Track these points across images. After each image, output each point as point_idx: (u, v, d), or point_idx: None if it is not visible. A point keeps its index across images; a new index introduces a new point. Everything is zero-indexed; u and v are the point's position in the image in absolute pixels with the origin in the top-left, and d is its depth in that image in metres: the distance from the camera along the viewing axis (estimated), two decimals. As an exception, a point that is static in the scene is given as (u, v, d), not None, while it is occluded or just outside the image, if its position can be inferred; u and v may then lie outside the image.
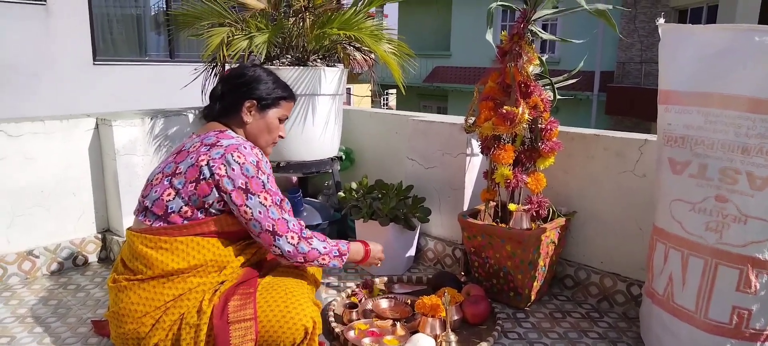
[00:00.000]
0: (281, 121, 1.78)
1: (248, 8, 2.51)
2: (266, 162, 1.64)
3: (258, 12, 2.52)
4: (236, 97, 1.69)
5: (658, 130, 1.74)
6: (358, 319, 1.92)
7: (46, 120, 2.33)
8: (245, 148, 1.59)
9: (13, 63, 5.96)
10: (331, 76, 2.61)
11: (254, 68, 1.76)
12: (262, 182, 1.57)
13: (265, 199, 1.56)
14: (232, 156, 1.55)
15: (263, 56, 2.49)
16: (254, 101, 1.69)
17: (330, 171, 2.76)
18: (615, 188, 2.11)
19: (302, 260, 1.61)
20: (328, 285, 2.29)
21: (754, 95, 1.46)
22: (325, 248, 1.65)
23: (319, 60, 2.69)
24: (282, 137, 1.81)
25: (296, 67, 2.55)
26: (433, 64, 17.71)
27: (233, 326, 1.51)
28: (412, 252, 2.48)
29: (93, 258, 2.52)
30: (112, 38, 7.43)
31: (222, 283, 1.61)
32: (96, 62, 6.94)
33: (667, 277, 1.65)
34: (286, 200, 1.63)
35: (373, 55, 2.84)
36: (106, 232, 2.56)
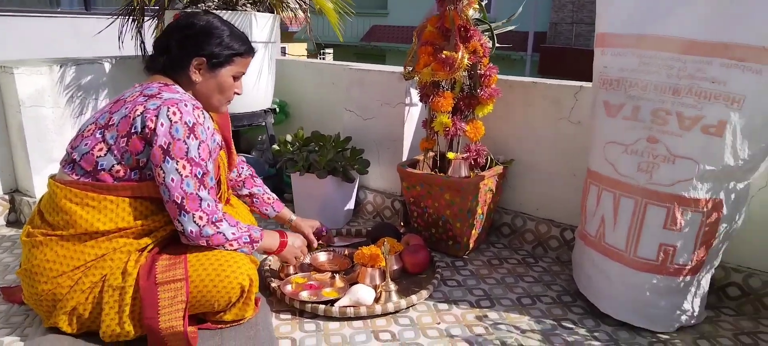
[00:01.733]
0: (236, 78, 1.61)
1: (168, -55, 2.30)
2: (207, 127, 1.49)
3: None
4: (184, 53, 1.51)
5: (594, 74, 1.75)
6: (296, 273, 1.86)
7: (-67, 67, 2.05)
8: (186, 105, 1.43)
9: None
10: (263, 23, 2.46)
11: (206, 17, 1.56)
12: (187, 148, 1.41)
13: (184, 167, 1.41)
14: (168, 110, 1.40)
15: (186, 0, 2.31)
16: (204, 59, 1.52)
17: (263, 124, 2.64)
18: (551, 136, 2.13)
19: (204, 244, 1.47)
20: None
21: (686, 36, 1.48)
22: (233, 234, 1.51)
23: (249, 5, 2.52)
24: (238, 94, 1.64)
25: (224, 11, 2.38)
26: (371, 23, 17.43)
27: (162, 287, 1.41)
28: (351, 205, 2.43)
29: (1, 221, 2.29)
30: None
31: (145, 247, 1.49)
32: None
33: (600, 219, 1.69)
34: (210, 176, 1.49)
35: (308, 3, 2.71)
36: (14, 192, 2.33)
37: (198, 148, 1.44)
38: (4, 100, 2.22)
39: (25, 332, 1.53)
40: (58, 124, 2.28)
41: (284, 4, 2.66)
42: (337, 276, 1.83)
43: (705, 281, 1.65)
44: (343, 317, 1.63)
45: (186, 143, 1.41)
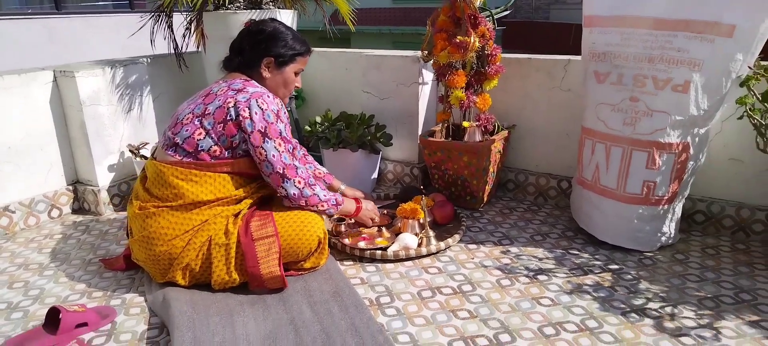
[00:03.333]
0: (297, 74, 1.94)
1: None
2: (285, 113, 1.83)
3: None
4: (255, 53, 1.84)
5: (582, 49, 2.15)
6: (346, 231, 2.21)
7: (3, 76, 2.29)
8: (269, 96, 1.78)
9: None
10: (285, 18, 2.76)
11: (273, 24, 1.89)
12: (280, 129, 1.77)
13: (280, 145, 1.77)
14: (257, 102, 1.74)
15: (220, 3, 2.59)
16: (272, 58, 1.85)
17: (289, 109, 2.95)
18: (546, 102, 2.53)
19: (303, 204, 1.84)
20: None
21: (657, 16, 1.89)
22: (325, 195, 1.89)
23: (271, 3, 2.82)
24: (298, 87, 1.98)
25: (252, 10, 2.67)
26: (334, 7, 17.55)
27: (258, 242, 1.75)
28: (375, 174, 2.79)
29: (67, 209, 2.56)
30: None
31: (238, 213, 1.82)
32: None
33: (594, 166, 2.11)
34: (299, 148, 1.84)
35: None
36: (76, 183, 2.59)
37: (285, 129, 1.78)
38: (64, 101, 2.47)
39: (140, 289, 1.85)
40: (112, 120, 2.55)
41: (301, 1, 2.96)
42: (383, 229, 2.19)
43: (678, 208, 2.09)
44: (397, 259, 2.01)
45: (277, 126, 1.75)
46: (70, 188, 2.57)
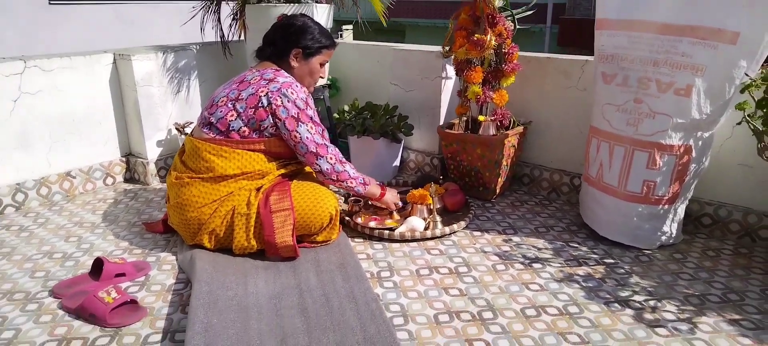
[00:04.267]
0: (322, 65, 2.16)
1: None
2: (312, 99, 2.06)
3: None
4: (285, 44, 2.07)
5: (594, 50, 2.22)
6: (361, 211, 2.39)
7: (71, 56, 2.61)
8: (297, 85, 2.00)
9: None
10: (322, 12, 2.96)
11: (303, 19, 2.11)
12: (310, 114, 2.00)
13: (311, 127, 1.99)
14: (288, 91, 1.96)
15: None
16: (300, 50, 2.07)
17: (321, 97, 3.16)
18: (562, 101, 2.61)
19: (335, 179, 2.06)
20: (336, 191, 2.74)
21: (664, 21, 1.95)
22: (355, 172, 2.11)
23: (309, -3, 3.02)
24: (322, 78, 2.20)
25: (291, 3, 2.89)
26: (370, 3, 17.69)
27: (275, 214, 1.96)
28: (397, 162, 2.95)
29: (120, 178, 2.88)
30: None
31: (261, 187, 2.04)
32: (52, 2, 6.82)
33: (598, 163, 2.19)
34: (326, 131, 2.06)
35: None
36: (128, 155, 2.91)
37: (314, 114, 2.00)
38: (122, 81, 2.78)
39: (173, 250, 2.10)
40: (161, 100, 2.84)
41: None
42: (393, 212, 2.36)
43: (681, 210, 2.14)
44: (402, 239, 2.17)
45: (307, 111, 1.98)
46: (123, 159, 2.88)
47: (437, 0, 16.24)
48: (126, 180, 2.90)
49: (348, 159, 2.96)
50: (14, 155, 2.46)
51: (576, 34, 13.35)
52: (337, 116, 2.91)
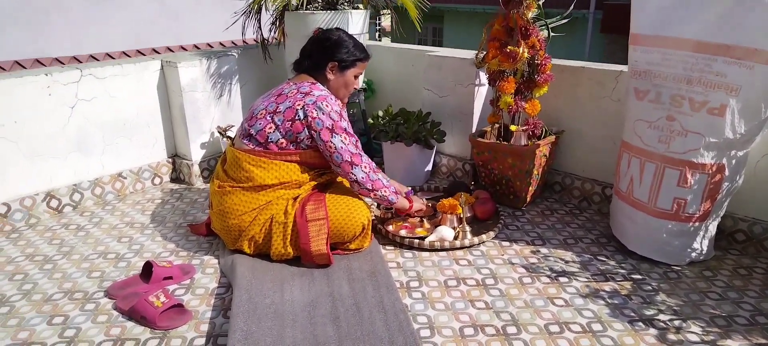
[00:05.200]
0: (356, 77, 2.24)
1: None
2: (345, 112, 2.15)
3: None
4: (321, 57, 2.15)
5: (628, 65, 2.22)
6: (392, 218, 2.47)
7: (123, 63, 2.77)
8: (331, 98, 2.09)
9: (22, 1, 6.03)
10: (357, 18, 3.04)
11: (338, 32, 2.20)
12: (344, 126, 2.08)
13: (345, 138, 2.08)
14: (322, 104, 2.05)
15: (301, 4, 2.91)
16: (336, 63, 2.16)
17: (357, 101, 3.24)
18: (595, 111, 2.61)
19: (370, 188, 2.14)
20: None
21: (698, 39, 1.93)
22: (388, 182, 2.20)
23: (346, 4, 3.10)
24: (356, 89, 2.28)
25: (328, 11, 2.97)
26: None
27: (311, 223, 2.06)
28: (429, 167, 3.02)
29: (167, 179, 3.05)
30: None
31: (297, 196, 2.15)
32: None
33: (629, 178, 2.20)
34: (359, 141, 2.14)
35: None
36: (174, 156, 3.07)
37: (347, 126, 2.09)
38: (169, 87, 2.93)
39: (216, 253, 2.24)
40: (205, 104, 2.98)
41: (371, 3, 3.21)
42: (424, 220, 2.43)
43: (712, 227, 2.13)
44: (432, 248, 2.24)
45: (341, 123, 2.07)
46: (170, 160, 3.05)
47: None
48: (172, 180, 3.07)
49: (381, 163, 3.08)
50: (71, 158, 2.65)
51: (620, 20, 12.94)
52: (371, 121, 2.98)
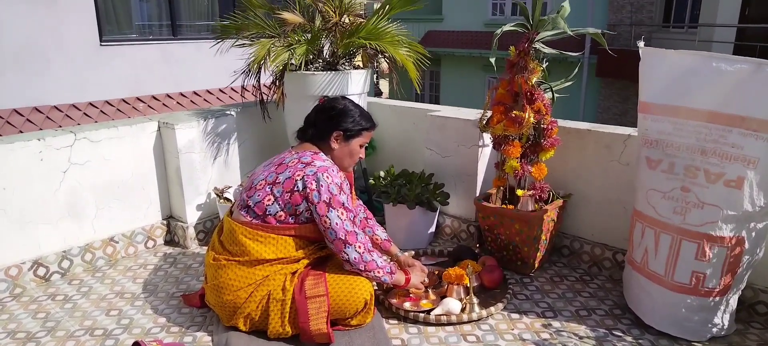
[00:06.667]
0: (362, 146, 2.16)
1: (288, 23, 2.86)
2: (347, 184, 2.04)
3: (296, 25, 2.88)
4: (326, 126, 2.08)
5: (638, 134, 2.16)
6: (395, 290, 2.36)
7: (118, 126, 2.71)
8: (333, 170, 2.00)
9: (23, 47, 5.88)
10: (358, 78, 2.99)
11: (344, 101, 2.13)
12: (343, 201, 1.98)
13: (342, 214, 1.97)
14: (322, 176, 1.96)
15: (301, 65, 2.87)
16: (341, 132, 2.09)
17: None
18: (603, 174, 2.54)
19: (362, 269, 2.01)
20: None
21: (711, 109, 1.88)
22: (383, 262, 2.07)
23: (346, 64, 3.06)
24: (361, 159, 2.20)
25: (328, 72, 2.92)
26: (426, 29, 17.85)
27: (310, 300, 1.95)
28: (432, 229, 2.92)
29: (160, 241, 2.94)
30: (117, 18, 7.53)
31: (296, 271, 2.04)
32: (103, 43, 7.04)
33: (644, 249, 2.11)
34: (363, 210, 2.04)
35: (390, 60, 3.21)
36: (169, 218, 2.97)
37: (347, 200, 1.99)
38: (165, 148, 2.86)
39: (209, 329, 2.12)
40: (202, 165, 2.90)
41: (372, 64, 3.18)
42: (429, 290, 2.32)
43: (733, 300, 2.03)
44: (438, 323, 2.13)
45: (340, 197, 1.97)
46: (164, 222, 2.95)
47: (472, 31, 16.25)
48: (166, 242, 2.97)
49: (383, 221, 2.98)
50: (62, 224, 2.55)
51: (615, 65, 13.11)
52: (372, 182, 2.91)
